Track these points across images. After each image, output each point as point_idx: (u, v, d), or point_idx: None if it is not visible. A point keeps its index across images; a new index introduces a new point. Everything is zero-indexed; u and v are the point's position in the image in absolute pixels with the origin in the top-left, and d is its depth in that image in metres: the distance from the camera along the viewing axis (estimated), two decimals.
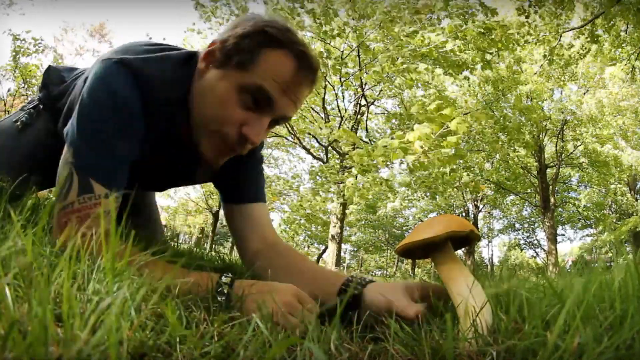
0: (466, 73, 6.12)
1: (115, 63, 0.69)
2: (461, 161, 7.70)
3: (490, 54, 5.60)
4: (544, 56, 8.06)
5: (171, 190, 13.54)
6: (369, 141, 7.56)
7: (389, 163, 4.41)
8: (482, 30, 4.89)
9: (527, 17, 6.56)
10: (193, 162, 0.84)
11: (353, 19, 5.54)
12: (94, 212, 0.64)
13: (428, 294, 0.59)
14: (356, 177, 5.16)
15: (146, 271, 0.48)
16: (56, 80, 0.91)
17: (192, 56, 0.78)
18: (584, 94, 11.45)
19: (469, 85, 8.07)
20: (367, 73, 5.65)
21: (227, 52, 0.71)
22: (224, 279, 0.59)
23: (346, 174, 5.30)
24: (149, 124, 0.73)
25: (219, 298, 0.56)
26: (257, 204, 0.88)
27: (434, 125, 3.74)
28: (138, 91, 0.69)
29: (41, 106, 0.93)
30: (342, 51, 5.87)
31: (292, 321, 0.50)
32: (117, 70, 0.69)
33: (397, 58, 5.07)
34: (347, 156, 5.39)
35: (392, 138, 4.18)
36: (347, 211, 6.43)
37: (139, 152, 0.73)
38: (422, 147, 3.83)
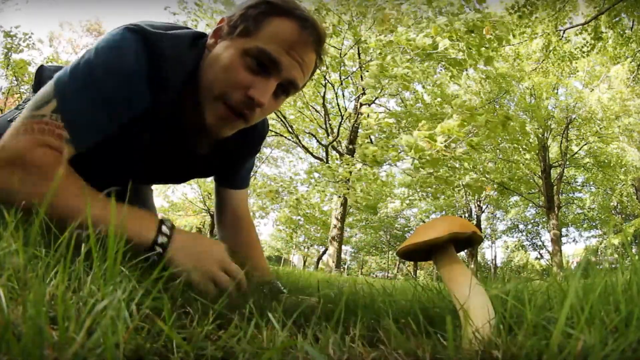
0: (470, 72, 6.07)
1: (132, 31, 0.69)
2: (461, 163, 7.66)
3: (487, 48, 5.51)
4: (542, 49, 8.00)
5: (169, 191, 13.49)
6: (371, 140, 7.56)
7: (406, 156, 4.40)
8: (469, 29, 4.79)
9: (520, 17, 6.52)
10: (196, 135, 0.84)
11: (347, 15, 5.54)
12: (60, 133, 0.64)
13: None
14: (361, 167, 5.15)
15: (81, 203, 0.56)
16: (48, 81, 0.91)
17: (200, 36, 0.80)
18: (591, 91, 11.37)
19: (467, 84, 8.06)
20: (366, 72, 5.62)
21: (233, 24, 0.74)
22: (164, 229, 0.63)
23: (345, 169, 5.27)
24: (157, 98, 0.72)
25: (154, 251, 0.60)
26: (243, 190, 1.10)
27: (462, 119, 3.79)
28: (148, 64, 0.69)
29: None
30: (341, 50, 5.87)
31: (209, 288, 0.61)
32: (132, 37, 0.69)
33: (389, 63, 4.99)
34: (347, 156, 5.40)
35: (417, 130, 4.22)
36: (348, 202, 6.39)
37: (139, 131, 0.74)
38: (445, 142, 3.89)
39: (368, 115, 5.36)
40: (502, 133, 9.24)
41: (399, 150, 4.26)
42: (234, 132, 0.79)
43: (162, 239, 0.62)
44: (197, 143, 0.87)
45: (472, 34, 4.81)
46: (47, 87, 0.67)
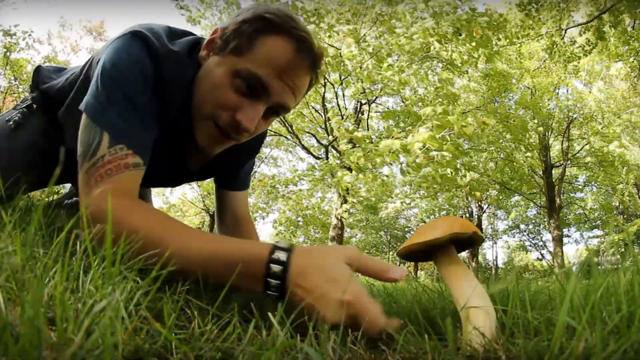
0: (469, 70, 6.02)
1: (136, 37, 0.69)
2: (462, 161, 7.63)
3: (488, 48, 5.39)
4: (546, 49, 7.98)
5: (167, 191, 13.51)
6: (370, 140, 7.53)
7: (390, 162, 4.39)
8: (456, 30, 4.60)
9: (527, 14, 6.53)
10: (187, 149, 0.83)
11: (347, 16, 5.53)
12: (126, 162, 0.62)
13: None
14: (354, 174, 5.14)
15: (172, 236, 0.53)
16: (46, 81, 0.90)
17: (197, 43, 0.78)
18: (590, 92, 11.36)
19: (468, 81, 8.05)
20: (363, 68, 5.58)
21: (226, 38, 0.71)
22: (277, 255, 0.51)
23: (340, 174, 5.27)
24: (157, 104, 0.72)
25: (270, 292, 0.50)
26: (243, 192, 1.08)
27: (436, 129, 3.77)
28: (152, 69, 0.69)
29: (34, 106, 0.92)
30: (340, 49, 5.86)
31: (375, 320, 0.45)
32: (138, 43, 0.69)
33: (364, 63, 4.92)
34: (344, 156, 5.40)
35: (392, 137, 4.20)
36: (345, 205, 6.37)
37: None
38: (420, 148, 3.86)
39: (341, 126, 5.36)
40: (504, 132, 9.22)
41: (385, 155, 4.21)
42: (224, 149, 0.78)
43: (274, 268, 0.51)
44: (188, 159, 0.86)
45: (461, 37, 4.67)
46: (88, 126, 0.64)
